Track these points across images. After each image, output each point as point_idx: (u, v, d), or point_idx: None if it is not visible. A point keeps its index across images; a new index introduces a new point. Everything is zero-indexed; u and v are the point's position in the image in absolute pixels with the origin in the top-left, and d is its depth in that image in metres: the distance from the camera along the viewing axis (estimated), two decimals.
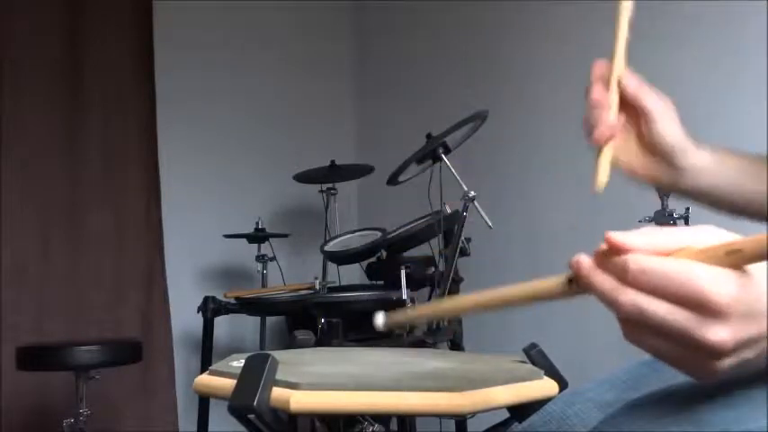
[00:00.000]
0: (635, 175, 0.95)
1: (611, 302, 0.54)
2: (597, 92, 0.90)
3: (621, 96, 0.90)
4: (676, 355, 0.54)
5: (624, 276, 0.54)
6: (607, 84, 0.91)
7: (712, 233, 0.55)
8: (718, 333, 0.51)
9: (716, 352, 0.52)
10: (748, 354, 0.53)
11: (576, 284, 0.58)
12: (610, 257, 0.55)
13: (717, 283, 0.51)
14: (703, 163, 0.92)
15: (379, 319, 0.80)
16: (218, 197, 3.62)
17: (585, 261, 0.57)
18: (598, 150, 0.89)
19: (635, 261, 0.53)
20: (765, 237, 0.50)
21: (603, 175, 0.90)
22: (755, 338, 0.53)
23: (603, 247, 0.56)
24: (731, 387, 0.66)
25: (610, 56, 0.92)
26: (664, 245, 0.54)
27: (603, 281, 0.55)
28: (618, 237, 0.55)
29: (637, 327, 0.54)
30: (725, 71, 2.53)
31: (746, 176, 0.94)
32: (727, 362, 0.53)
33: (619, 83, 0.90)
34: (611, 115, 0.88)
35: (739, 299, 0.51)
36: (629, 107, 0.91)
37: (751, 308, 0.52)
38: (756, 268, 0.53)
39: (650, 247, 0.54)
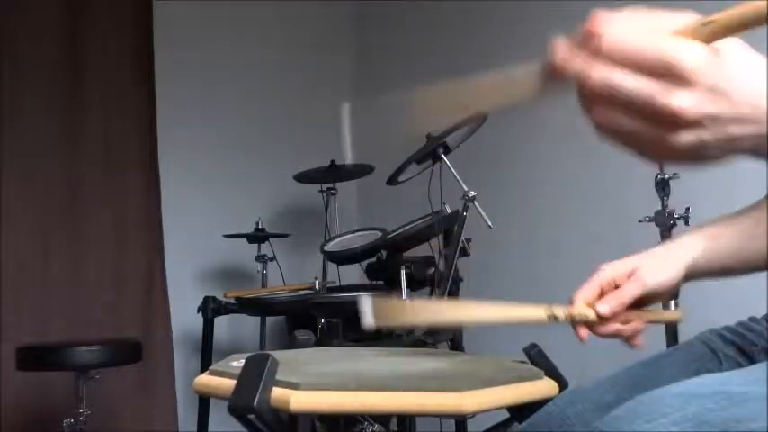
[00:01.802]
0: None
1: (583, 80, 0.54)
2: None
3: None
4: (640, 130, 0.53)
5: (598, 51, 0.53)
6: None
7: (693, 17, 0.55)
8: (680, 98, 0.51)
9: (677, 119, 0.52)
10: (706, 134, 0.53)
11: (551, 73, 0.57)
12: (586, 41, 0.55)
13: (685, 49, 0.51)
14: (698, 263, 0.97)
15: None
16: (218, 197, 3.62)
17: (560, 40, 0.57)
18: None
19: (609, 35, 0.53)
20: (741, 7, 0.50)
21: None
22: (717, 117, 0.52)
23: (580, 31, 0.56)
24: (731, 387, 0.66)
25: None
26: (640, 23, 0.54)
27: (576, 58, 0.55)
28: (599, 16, 0.54)
29: (605, 106, 0.54)
30: None
31: (744, 241, 0.97)
32: (685, 136, 0.52)
33: (593, 320, 0.95)
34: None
35: (707, 69, 0.51)
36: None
37: (717, 83, 0.52)
38: (729, 49, 0.53)
39: (626, 24, 0.54)
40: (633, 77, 0.52)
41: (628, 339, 0.98)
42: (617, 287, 0.96)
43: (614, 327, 0.96)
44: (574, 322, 0.95)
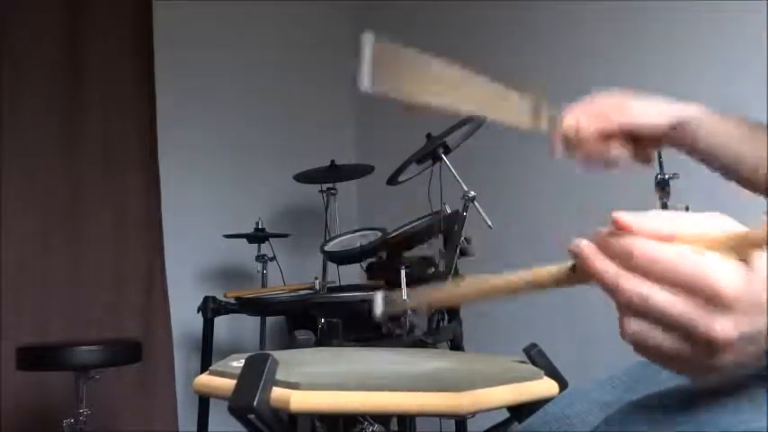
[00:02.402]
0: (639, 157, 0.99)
1: (613, 289, 0.51)
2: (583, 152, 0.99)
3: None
4: (675, 350, 0.51)
5: (629, 262, 0.51)
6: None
7: (719, 219, 0.53)
8: (723, 325, 0.49)
9: (719, 345, 0.50)
10: (749, 349, 0.52)
11: (580, 272, 0.55)
12: (613, 241, 0.52)
13: (726, 274, 0.49)
14: (696, 117, 0.95)
15: (378, 307, 0.80)
16: (218, 197, 3.62)
17: (587, 245, 0.54)
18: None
19: (641, 246, 0.51)
20: None
21: None
22: (758, 333, 0.51)
23: (606, 229, 0.53)
24: (732, 387, 0.66)
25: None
26: (670, 229, 0.52)
27: (606, 266, 0.52)
28: (626, 217, 0.52)
29: (637, 317, 0.51)
30: (724, 70, 2.52)
31: (741, 138, 0.94)
32: (727, 357, 0.51)
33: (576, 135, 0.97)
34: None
35: (746, 291, 0.49)
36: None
37: (757, 300, 0.50)
38: (762, 262, 0.51)
39: (656, 231, 0.51)
40: (669, 295, 0.50)
41: (601, 164, 0.97)
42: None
43: (588, 150, 0.96)
44: (554, 126, 0.95)
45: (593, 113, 0.95)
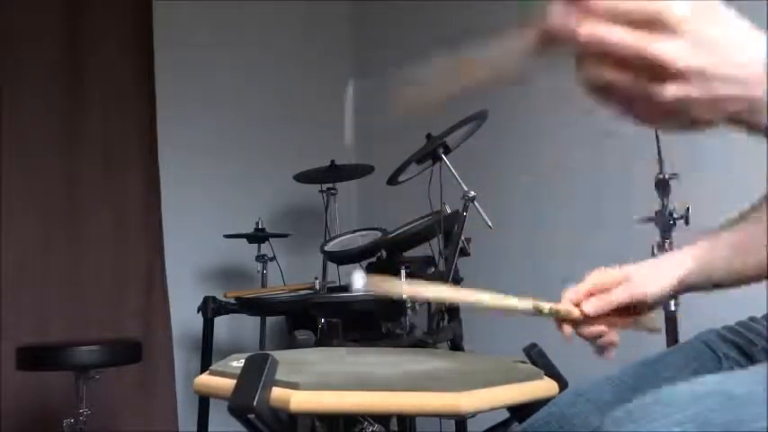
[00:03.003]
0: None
1: (571, 35, 0.54)
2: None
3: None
4: (626, 86, 0.53)
5: (586, 9, 0.54)
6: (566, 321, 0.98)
7: None
8: (667, 46, 0.51)
9: (664, 69, 0.52)
10: (693, 90, 0.53)
11: (545, 37, 0.57)
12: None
13: (676, 2, 0.52)
14: (690, 277, 0.98)
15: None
16: (218, 197, 3.62)
17: (557, 6, 0.57)
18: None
19: None
20: None
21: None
22: (702, 72, 0.52)
23: None
24: (732, 387, 0.66)
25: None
26: None
27: (566, 17, 0.55)
28: None
29: (595, 60, 0.54)
30: None
31: (735, 256, 0.98)
32: (671, 89, 0.52)
33: (581, 318, 0.97)
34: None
35: (694, 19, 0.52)
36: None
37: (704, 36, 0.52)
38: (716, 5, 0.54)
39: None
40: (620, 30, 0.52)
41: (601, 349, 0.99)
42: (607, 291, 0.97)
43: (598, 329, 0.97)
44: (558, 317, 0.97)
45: (595, 293, 0.97)
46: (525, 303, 0.95)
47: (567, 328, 0.98)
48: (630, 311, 0.98)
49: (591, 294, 0.97)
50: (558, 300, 0.98)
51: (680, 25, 0.52)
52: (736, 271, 0.97)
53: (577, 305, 0.97)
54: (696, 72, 0.52)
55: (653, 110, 0.54)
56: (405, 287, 0.95)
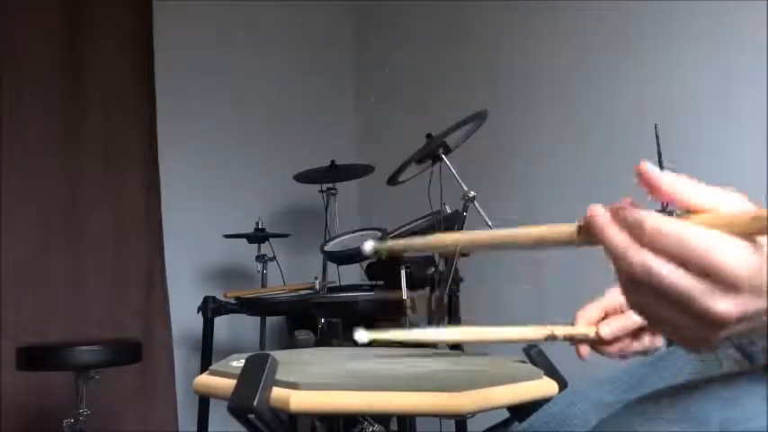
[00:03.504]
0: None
1: (620, 259, 0.52)
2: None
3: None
4: (674, 322, 0.52)
5: (639, 234, 0.52)
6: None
7: (733, 196, 0.54)
8: (725, 305, 0.50)
9: (718, 323, 0.50)
10: (747, 326, 0.52)
11: (586, 235, 0.56)
12: (626, 212, 0.53)
13: (733, 254, 0.49)
14: None
15: (368, 245, 0.80)
16: (218, 197, 3.62)
17: (602, 212, 0.55)
18: None
19: (653, 220, 0.52)
20: None
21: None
22: (758, 312, 0.52)
23: (620, 202, 0.54)
24: (732, 387, 0.66)
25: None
26: (693, 194, 0.53)
27: (615, 235, 0.53)
28: (651, 170, 0.54)
29: (641, 288, 0.52)
30: (724, 70, 2.52)
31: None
32: (725, 332, 0.52)
33: (597, 340, 0.95)
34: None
35: (752, 272, 0.50)
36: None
37: (761, 281, 0.51)
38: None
39: (680, 192, 0.53)
40: (676, 271, 0.50)
41: (642, 353, 0.98)
42: (623, 312, 0.96)
43: (618, 347, 0.96)
44: (573, 341, 0.95)
45: (610, 313, 0.96)
46: (538, 332, 0.93)
47: (585, 350, 0.97)
48: (647, 331, 0.97)
49: (606, 315, 0.96)
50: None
51: (740, 286, 0.50)
52: None
53: (594, 324, 0.95)
54: (753, 314, 0.51)
55: (705, 345, 0.54)
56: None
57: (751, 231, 0.50)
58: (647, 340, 0.98)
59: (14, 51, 3.14)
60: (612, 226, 0.54)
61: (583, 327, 0.95)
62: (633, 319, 0.95)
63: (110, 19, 3.36)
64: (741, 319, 0.51)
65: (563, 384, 1.26)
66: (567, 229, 0.59)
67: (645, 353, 0.98)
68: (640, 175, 0.54)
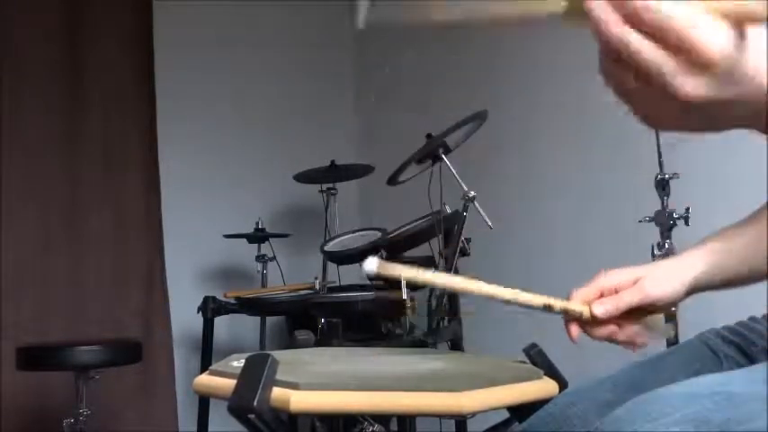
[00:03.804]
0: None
1: (601, 32, 0.52)
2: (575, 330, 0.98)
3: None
4: (644, 98, 0.53)
5: (626, 8, 0.51)
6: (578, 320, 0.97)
7: None
8: (693, 83, 0.50)
9: (686, 102, 0.51)
10: (714, 112, 0.52)
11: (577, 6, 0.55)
12: None
13: (713, 36, 0.50)
14: (701, 278, 0.98)
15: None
16: (218, 197, 3.62)
17: None
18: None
19: None
20: None
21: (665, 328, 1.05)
22: (727, 101, 0.52)
23: None
24: (732, 387, 0.66)
25: None
26: None
27: (602, 8, 0.52)
28: None
29: (617, 61, 0.52)
30: None
31: (746, 258, 0.98)
32: (689, 115, 0.52)
33: (590, 319, 0.96)
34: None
35: (728, 56, 0.50)
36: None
37: (734, 68, 0.51)
38: (753, 36, 0.51)
39: None
40: (651, 46, 0.51)
41: (625, 344, 0.98)
42: (617, 293, 0.96)
43: (607, 329, 0.97)
44: (567, 315, 0.96)
45: (605, 293, 0.97)
46: (537, 300, 0.95)
47: (575, 330, 0.98)
48: (640, 314, 0.98)
49: (601, 295, 0.97)
50: (566, 296, 0.98)
51: (712, 65, 0.50)
52: (745, 273, 0.97)
53: (587, 304, 0.96)
54: (718, 102, 0.52)
55: (666, 121, 0.54)
56: (415, 273, 0.94)
57: (734, 18, 0.50)
58: (632, 332, 0.98)
59: (14, 51, 3.14)
60: (602, 3, 0.53)
61: (577, 303, 0.96)
62: (625, 300, 0.95)
63: (110, 19, 3.36)
64: (709, 102, 0.51)
65: (563, 384, 1.26)
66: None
67: (629, 345, 0.99)
68: None
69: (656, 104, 0.53)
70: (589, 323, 0.97)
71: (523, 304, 0.96)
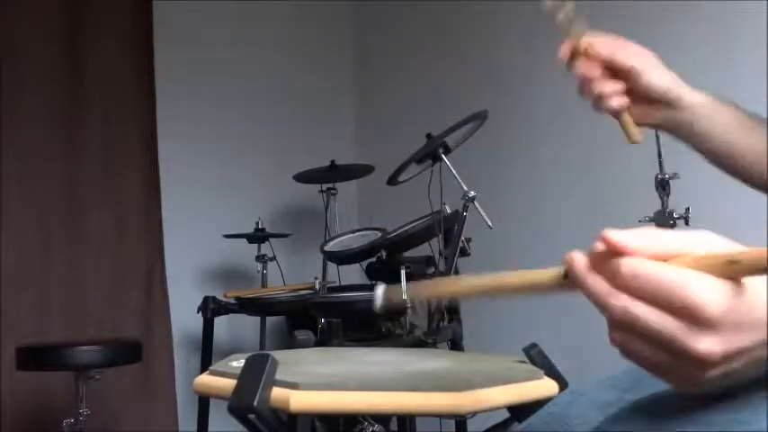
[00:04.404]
0: (639, 123, 0.98)
1: (601, 305, 0.53)
2: (582, 66, 0.96)
3: (599, 62, 0.95)
4: (661, 363, 0.53)
5: (616, 280, 0.53)
6: (580, 56, 0.96)
7: (711, 239, 0.54)
8: (706, 343, 0.50)
9: (702, 362, 0.51)
10: (735, 365, 0.53)
11: (570, 282, 0.57)
12: (605, 258, 0.54)
13: (710, 294, 0.50)
14: (700, 102, 0.96)
15: (379, 300, 0.80)
16: (218, 197, 3.62)
17: (579, 260, 0.56)
18: (617, 115, 0.96)
19: (627, 265, 0.52)
20: (765, 251, 0.49)
21: (636, 133, 0.96)
22: (744, 350, 0.52)
23: (600, 246, 0.55)
24: (732, 388, 0.66)
25: (563, 34, 0.96)
26: (661, 248, 0.53)
27: (595, 283, 0.54)
28: (615, 236, 0.54)
29: (625, 331, 0.53)
30: (724, 70, 2.52)
31: (741, 129, 0.96)
32: (712, 372, 0.52)
33: (588, 52, 0.95)
34: (609, 85, 0.94)
35: (731, 310, 0.50)
36: (610, 69, 0.95)
37: (742, 319, 0.51)
38: (752, 279, 0.52)
39: (647, 250, 0.53)
40: (655, 313, 0.51)
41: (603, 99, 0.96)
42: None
43: (588, 69, 0.96)
44: (566, 30, 0.95)
45: (606, 41, 0.96)
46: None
47: (566, 48, 0.97)
48: (621, 81, 0.95)
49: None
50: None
51: (717, 322, 0.50)
52: (748, 168, 0.95)
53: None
54: (736, 353, 0.51)
55: (691, 384, 0.54)
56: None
57: (725, 275, 0.51)
58: (611, 86, 0.96)
59: (14, 51, 3.14)
60: (591, 273, 0.55)
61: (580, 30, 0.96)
62: (620, 51, 0.95)
63: (110, 19, 3.36)
64: (727, 356, 0.51)
65: (563, 384, 1.26)
66: (554, 274, 0.60)
67: (603, 100, 0.98)
68: (605, 243, 0.54)
69: (678, 371, 0.53)
70: (578, 54, 0.95)
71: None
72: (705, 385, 0.53)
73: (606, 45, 0.95)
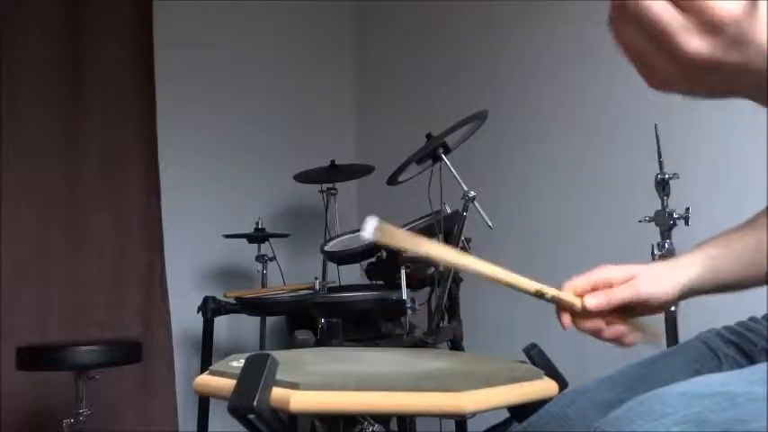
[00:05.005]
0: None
1: None
2: (587, 325, 0.99)
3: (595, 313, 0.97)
4: (650, 57, 0.53)
5: None
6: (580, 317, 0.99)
7: None
8: (696, 44, 0.50)
9: (684, 61, 0.51)
10: (712, 79, 0.52)
11: None
12: None
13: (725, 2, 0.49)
14: (696, 282, 0.98)
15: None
16: (218, 197, 3.62)
17: None
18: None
19: None
20: None
21: (656, 333, 1.05)
22: (729, 65, 0.51)
23: None
24: (733, 387, 0.66)
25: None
26: None
27: None
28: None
29: (624, 14, 0.52)
30: None
31: (742, 266, 0.98)
32: (687, 76, 0.52)
33: (580, 310, 0.97)
34: (616, 329, 0.98)
35: (740, 21, 0.50)
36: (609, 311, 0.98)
37: (745, 36, 0.50)
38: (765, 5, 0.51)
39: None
40: (662, 4, 0.50)
41: (611, 341, 0.99)
42: (610, 287, 0.97)
43: (595, 324, 0.97)
44: (559, 304, 0.96)
45: (598, 287, 0.98)
46: (530, 285, 0.95)
47: (567, 319, 0.98)
48: (631, 313, 0.98)
49: (594, 288, 0.97)
50: (560, 287, 0.99)
51: (719, 26, 0.50)
52: (741, 280, 0.97)
53: (580, 296, 0.96)
54: (720, 66, 0.51)
55: (670, 83, 0.53)
56: (412, 240, 0.94)
57: None
58: (618, 330, 0.98)
59: (14, 51, 3.14)
60: None
61: (570, 294, 0.97)
62: (618, 296, 0.95)
63: (110, 18, 3.36)
64: (710, 65, 0.51)
65: (563, 384, 1.26)
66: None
67: (616, 342, 0.99)
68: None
69: (661, 66, 0.53)
70: (578, 314, 0.97)
71: (516, 286, 0.97)
72: (672, 89, 0.53)
73: (598, 302, 0.96)
